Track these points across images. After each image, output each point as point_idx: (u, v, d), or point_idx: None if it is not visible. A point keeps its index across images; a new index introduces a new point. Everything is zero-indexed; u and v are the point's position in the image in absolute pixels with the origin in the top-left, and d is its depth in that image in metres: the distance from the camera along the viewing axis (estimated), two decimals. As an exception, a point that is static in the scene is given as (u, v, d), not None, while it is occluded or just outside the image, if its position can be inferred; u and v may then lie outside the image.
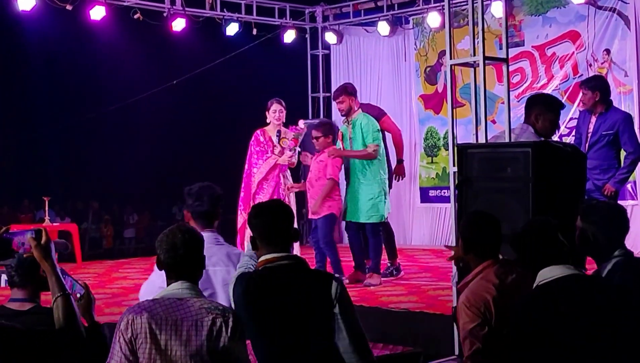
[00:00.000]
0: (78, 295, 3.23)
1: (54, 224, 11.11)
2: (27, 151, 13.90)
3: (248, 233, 8.03)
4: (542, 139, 5.14)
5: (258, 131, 8.09)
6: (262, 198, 7.96)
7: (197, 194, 4.27)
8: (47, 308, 3.11)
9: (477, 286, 3.62)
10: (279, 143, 8.00)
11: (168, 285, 3.10)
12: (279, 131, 8.02)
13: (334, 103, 12.50)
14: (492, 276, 3.61)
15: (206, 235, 3.56)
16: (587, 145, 6.85)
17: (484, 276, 3.63)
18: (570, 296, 3.17)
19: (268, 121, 8.05)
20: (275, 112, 8.01)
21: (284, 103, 8.09)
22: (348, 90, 7.91)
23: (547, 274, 3.24)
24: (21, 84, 13.03)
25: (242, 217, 8.12)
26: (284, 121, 8.10)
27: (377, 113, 8.21)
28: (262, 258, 3.26)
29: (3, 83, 10.81)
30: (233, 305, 3.21)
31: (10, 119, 12.13)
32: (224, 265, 4.06)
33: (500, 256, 3.77)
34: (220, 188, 4.40)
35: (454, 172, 5.05)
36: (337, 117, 12.47)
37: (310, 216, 8.00)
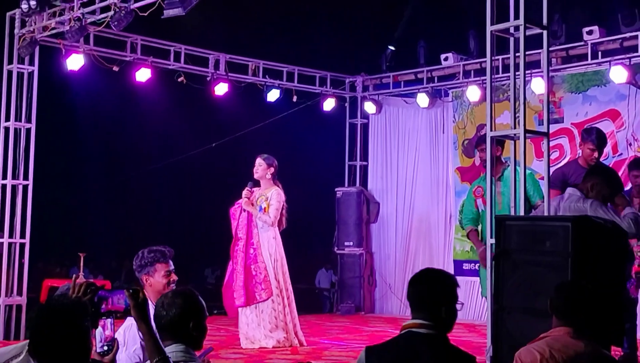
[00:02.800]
0: (105, 348, 3.01)
1: (88, 280, 11.16)
2: (66, 207, 14.09)
3: None
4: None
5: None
6: (236, 254, 7.97)
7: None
8: None
9: (536, 343, 3.56)
10: (248, 197, 8.00)
11: (165, 346, 3.07)
12: (252, 183, 8.08)
13: (370, 172, 12.67)
14: (556, 342, 3.54)
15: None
16: None
17: (551, 337, 3.57)
18: None
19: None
20: (255, 166, 8.11)
21: (266, 158, 8.12)
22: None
23: None
24: (66, 141, 13.30)
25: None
26: (272, 178, 8.11)
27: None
28: (410, 321, 3.25)
29: (49, 140, 11.03)
30: None
31: (52, 176, 12.33)
32: None
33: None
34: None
35: (492, 244, 5.01)
36: (372, 186, 12.54)
37: None
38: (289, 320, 7.95)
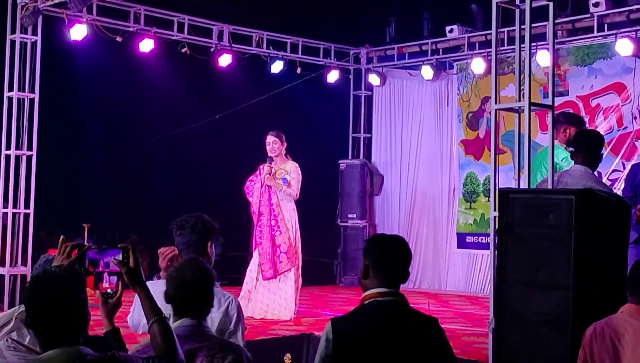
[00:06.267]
0: (109, 291, 2.97)
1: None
2: (70, 178, 14.08)
3: None
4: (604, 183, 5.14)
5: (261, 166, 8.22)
6: (261, 229, 8.08)
7: (179, 225, 3.94)
8: None
9: (603, 319, 3.61)
10: (269, 173, 8.05)
11: (174, 321, 3.07)
12: (270, 159, 8.12)
13: (374, 145, 12.63)
14: (616, 318, 3.56)
15: None
16: None
17: (616, 314, 3.61)
18: None
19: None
20: (269, 144, 8.14)
21: (278, 134, 8.17)
22: None
23: None
24: (69, 111, 13.25)
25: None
26: (285, 153, 8.21)
27: None
28: (373, 290, 3.19)
29: (52, 110, 11.00)
30: (327, 343, 3.09)
31: (55, 146, 12.32)
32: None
33: None
34: (215, 222, 4.01)
35: (495, 216, 5.01)
36: (376, 158, 12.53)
37: None
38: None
